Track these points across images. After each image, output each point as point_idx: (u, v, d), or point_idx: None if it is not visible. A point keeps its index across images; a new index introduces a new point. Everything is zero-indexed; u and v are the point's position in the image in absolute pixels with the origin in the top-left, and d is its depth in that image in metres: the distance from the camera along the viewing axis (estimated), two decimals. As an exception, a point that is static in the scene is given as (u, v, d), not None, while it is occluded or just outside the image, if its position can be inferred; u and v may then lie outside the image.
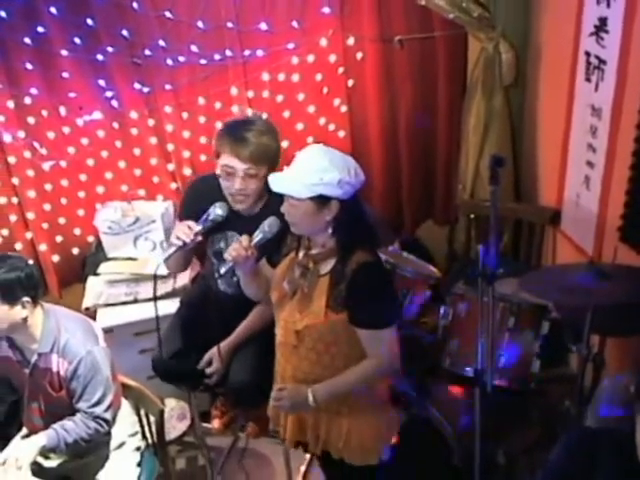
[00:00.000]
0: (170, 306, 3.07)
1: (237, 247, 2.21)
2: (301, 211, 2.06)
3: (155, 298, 2.50)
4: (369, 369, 2.14)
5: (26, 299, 2.30)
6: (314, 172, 2.00)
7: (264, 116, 2.86)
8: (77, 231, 3.77)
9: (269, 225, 2.29)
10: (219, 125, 3.49)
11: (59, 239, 3.76)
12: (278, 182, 2.08)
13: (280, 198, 2.12)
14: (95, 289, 3.48)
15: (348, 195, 2.04)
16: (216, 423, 3.30)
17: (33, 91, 3.40)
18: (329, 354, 2.16)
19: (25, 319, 2.33)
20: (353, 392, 2.19)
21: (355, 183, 2.04)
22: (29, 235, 3.71)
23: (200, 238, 2.52)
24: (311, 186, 2.00)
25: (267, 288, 2.33)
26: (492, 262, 2.25)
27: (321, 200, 2.03)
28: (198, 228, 2.50)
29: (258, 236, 2.27)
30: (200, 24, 3.33)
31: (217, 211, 2.54)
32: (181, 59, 3.39)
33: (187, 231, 2.48)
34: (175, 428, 2.98)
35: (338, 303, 2.07)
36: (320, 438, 2.32)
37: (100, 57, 3.36)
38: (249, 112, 3.50)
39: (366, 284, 2.06)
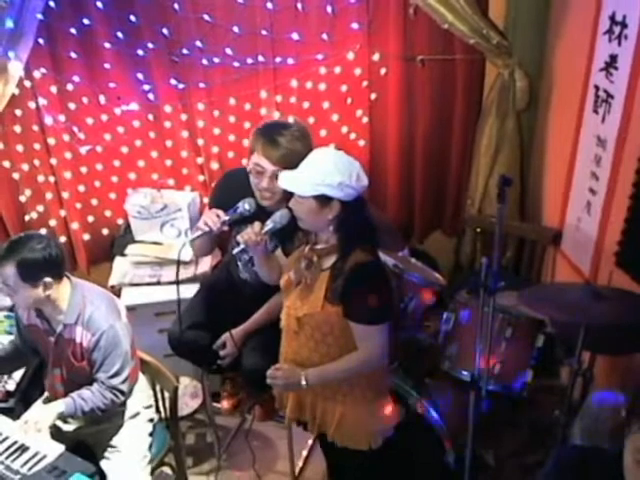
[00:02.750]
0: (190, 290, 3.07)
1: (249, 232, 2.29)
2: (305, 208, 2.10)
3: (177, 280, 2.50)
4: (356, 361, 2.18)
5: (47, 279, 2.28)
6: (318, 173, 2.03)
7: (301, 123, 2.84)
8: (108, 213, 3.79)
9: (280, 216, 2.33)
10: (247, 125, 3.52)
11: (91, 219, 3.78)
12: (286, 179, 2.12)
13: None
14: (121, 269, 3.50)
15: (350, 197, 2.06)
16: (225, 404, 3.29)
17: (75, 79, 3.42)
18: (325, 343, 2.19)
19: (48, 296, 2.32)
20: (346, 380, 2.22)
21: (356, 187, 2.06)
22: (63, 213, 3.74)
23: (226, 228, 2.54)
24: (314, 185, 2.04)
25: (280, 273, 2.37)
26: (494, 275, 2.26)
27: (323, 199, 2.06)
28: (225, 218, 2.51)
29: (269, 225, 2.32)
30: (236, 29, 3.33)
31: (245, 206, 2.55)
32: (216, 60, 3.40)
33: (215, 219, 2.50)
34: (187, 405, 2.99)
35: (335, 296, 2.10)
36: (316, 419, 2.35)
37: (140, 52, 3.37)
38: (276, 115, 3.50)
39: (361, 282, 2.09)
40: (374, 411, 2.30)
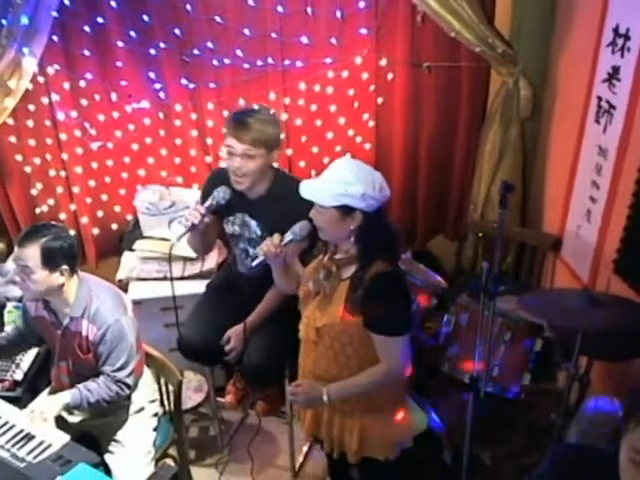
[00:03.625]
0: (197, 286, 3.09)
1: (269, 244, 2.25)
2: (326, 218, 2.08)
3: (172, 279, 2.58)
4: (378, 374, 2.14)
5: (65, 267, 2.30)
6: (340, 183, 2.01)
7: (271, 110, 2.89)
8: (117, 208, 3.79)
9: (300, 228, 2.30)
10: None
11: (100, 214, 3.78)
12: (307, 189, 2.09)
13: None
14: (129, 263, 3.50)
15: (372, 208, 2.04)
16: (229, 398, 3.30)
17: (88, 76, 3.42)
18: (344, 354, 2.16)
19: (62, 285, 2.33)
20: (366, 394, 2.19)
21: (379, 198, 2.04)
22: (73, 207, 3.74)
23: (207, 219, 2.59)
24: (336, 196, 2.01)
25: (298, 284, 2.34)
26: (495, 279, 2.26)
27: (345, 210, 2.03)
28: (202, 210, 2.55)
29: (289, 237, 2.29)
30: (246, 31, 3.33)
31: (220, 193, 2.60)
32: (226, 61, 3.40)
33: (195, 213, 2.55)
34: (191, 399, 3.00)
35: (354, 307, 2.08)
36: (333, 439, 2.32)
37: (152, 51, 3.37)
38: (284, 117, 3.50)
39: (381, 292, 2.06)
40: (393, 422, 2.27)
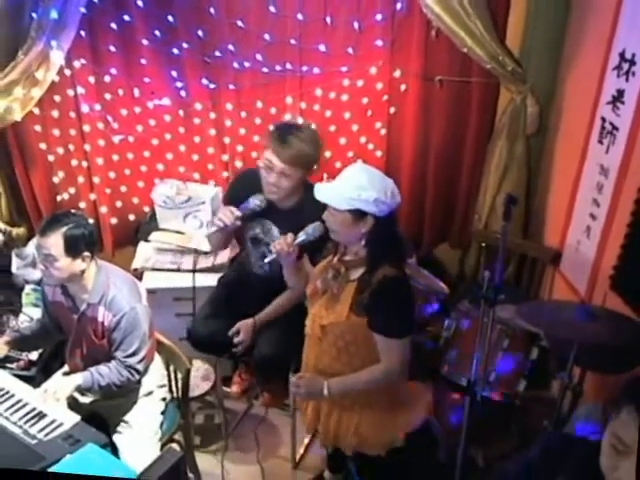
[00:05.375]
0: (208, 279, 3.11)
1: (282, 242, 2.28)
2: (339, 220, 2.10)
3: (194, 271, 2.56)
4: (378, 373, 2.16)
5: (86, 254, 2.33)
6: (354, 188, 2.02)
7: (313, 126, 2.86)
8: (135, 200, 3.81)
9: (313, 229, 2.33)
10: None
11: (119, 204, 3.79)
12: (322, 192, 2.11)
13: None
14: (145, 253, 3.52)
15: (383, 213, 2.06)
16: (235, 388, 3.33)
17: (113, 71, 3.44)
18: (347, 352, 2.18)
19: (83, 271, 2.35)
20: (365, 391, 2.21)
21: (391, 203, 2.06)
22: (93, 197, 3.76)
23: (239, 223, 2.57)
24: (350, 200, 2.03)
25: (306, 282, 2.36)
26: (496, 288, 2.27)
27: (358, 214, 2.05)
28: (238, 213, 2.55)
29: (301, 237, 2.32)
30: (267, 36, 3.34)
31: (255, 201, 2.60)
32: (246, 64, 3.41)
33: (229, 215, 2.55)
34: (198, 387, 2.99)
35: (360, 308, 2.10)
36: (330, 432, 2.34)
37: (175, 51, 3.38)
38: (299, 121, 3.49)
39: (387, 295, 2.08)
40: (389, 420, 2.29)
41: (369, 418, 2.26)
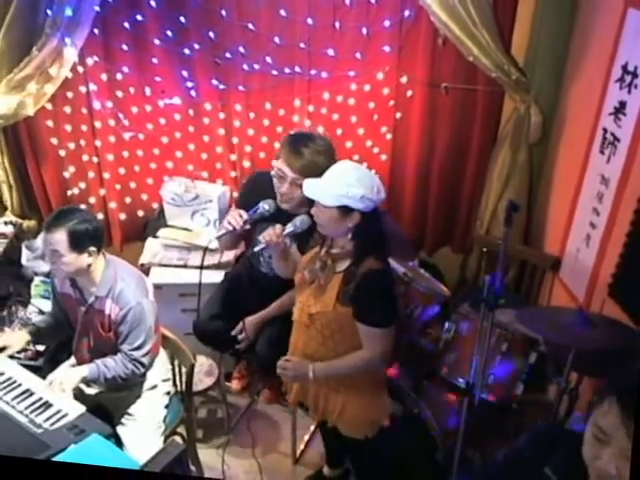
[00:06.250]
0: (214, 276, 3.11)
1: (271, 233, 2.32)
2: (327, 216, 2.12)
3: (202, 267, 2.55)
4: (361, 360, 2.21)
5: (92, 249, 2.32)
6: (342, 185, 2.05)
7: (327, 136, 2.85)
8: (144, 196, 3.82)
9: (300, 222, 2.36)
10: (279, 129, 3.54)
11: (128, 200, 3.81)
12: (311, 188, 2.14)
13: None
14: (152, 249, 3.53)
15: (369, 209, 2.09)
16: (235, 384, 3.34)
17: (125, 69, 3.45)
18: (333, 340, 2.23)
19: (89, 265, 2.35)
20: (349, 375, 2.26)
21: (376, 200, 2.09)
22: (102, 192, 3.77)
23: (248, 227, 2.58)
24: (338, 197, 2.06)
25: (295, 270, 2.40)
26: (496, 292, 2.28)
27: (345, 210, 2.08)
28: (246, 218, 2.55)
29: (289, 228, 2.36)
30: (277, 40, 3.35)
31: (265, 207, 2.59)
32: (256, 66, 3.42)
33: (238, 219, 2.55)
34: (202, 382, 3.00)
35: (346, 298, 2.14)
36: (319, 407, 2.39)
37: (186, 51, 3.39)
38: (307, 123, 3.51)
39: (371, 287, 2.12)
40: (371, 403, 2.34)
41: (354, 400, 2.31)
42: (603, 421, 1.31)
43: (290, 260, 2.46)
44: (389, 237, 2.20)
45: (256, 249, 2.40)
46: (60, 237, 2.25)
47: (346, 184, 2.04)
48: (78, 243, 2.27)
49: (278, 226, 2.33)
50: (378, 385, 2.37)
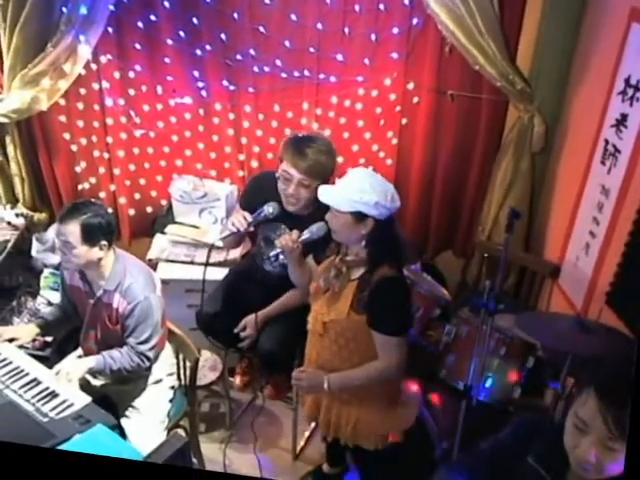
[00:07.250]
0: (220, 274, 3.10)
1: (287, 238, 2.31)
2: (341, 222, 2.12)
3: (206, 264, 2.56)
4: (376, 369, 2.18)
5: (104, 243, 2.33)
6: (356, 191, 2.05)
7: (327, 134, 2.85)
8: (153, 193, 3.82)
9: (317, 228, 2.34)
10: (287, 131, 3.54)
11: (137, 196, 3.81)
12: (326, 194, 2.14)
13: (327, 209, 2.17)
14: (160, 245, 3.53)
15: (383, 216, 2.08)
16: (237, 380, 3.34)
17: (137, 68, 3.45)
18: (347, 349, 2.20)
19: (100, 259, 2.36)
20: (363, 386, 2.23)
21: (390, 207, 2.09)
22: (112, 187, 3.78)
23: (251, 229, 2.59)
24: (352, 203, 2.06)
25: (310, 279, 2.38)
26: (495, 297, 2.29)
27: (359, 216, 2.08)
28: (250, 220, 2.56)
29: (306, 235, 2.34)
30: (287, 43, 3.35)
31: (269, 209, 2.60)
32: (266, 69, 3.42)
33: (242, 220, 2.56)
34: (206, 376, 3.01)
35: (360, 306, 2.12)
36: (330, 423, 2.36)
37: (198, 52, 3.40)
38: (314, 126, 3.52)
39: (386, 295, 2.10)
40: (385, 416, 2.31)
41: (368, 412, 2.28)
42: (582, 411, 1.34)
43: (305, 268, 2.44)
44: (403, 245, 2.19)
45: (272, 254, 2.40)
46: (73, 229, 2.26)
47: (360, 190, 2.04)
48: (90, 236, 2.28)
49: (295, 232, 2.33)
50: (393, 397, 2.34)
